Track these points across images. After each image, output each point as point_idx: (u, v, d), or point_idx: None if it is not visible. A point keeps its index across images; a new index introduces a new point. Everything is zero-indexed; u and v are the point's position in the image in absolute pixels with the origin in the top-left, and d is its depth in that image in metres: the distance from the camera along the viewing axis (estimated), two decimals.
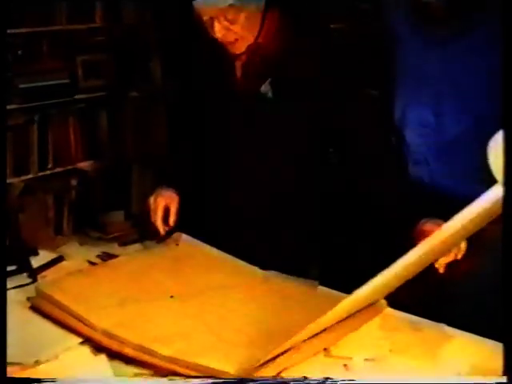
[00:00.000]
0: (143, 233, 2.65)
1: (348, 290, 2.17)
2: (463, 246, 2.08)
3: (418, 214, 2.17)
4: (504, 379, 1.39)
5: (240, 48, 2.24)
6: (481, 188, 1.68)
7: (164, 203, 2.41)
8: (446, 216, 2.10)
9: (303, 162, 2.38)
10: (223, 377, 1.70)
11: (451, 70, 2.17)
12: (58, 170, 2.90)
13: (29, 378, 1.55)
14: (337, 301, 2.12)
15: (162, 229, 2.41)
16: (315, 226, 2.48)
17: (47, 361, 1.86)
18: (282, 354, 1.80)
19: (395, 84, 2.31)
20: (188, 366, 1.76)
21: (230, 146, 2.39)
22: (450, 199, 2.17)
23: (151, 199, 2.42)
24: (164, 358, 1.80)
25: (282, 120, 2.29)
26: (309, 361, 1.84)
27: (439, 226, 1.96)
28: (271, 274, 2.32)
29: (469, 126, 2.16)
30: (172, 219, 2.42)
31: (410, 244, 1.92)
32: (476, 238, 2.01)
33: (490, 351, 1.81)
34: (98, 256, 2.54)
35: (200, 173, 2.48)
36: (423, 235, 2.00)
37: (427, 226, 2.10)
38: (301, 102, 2.27)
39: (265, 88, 2.28)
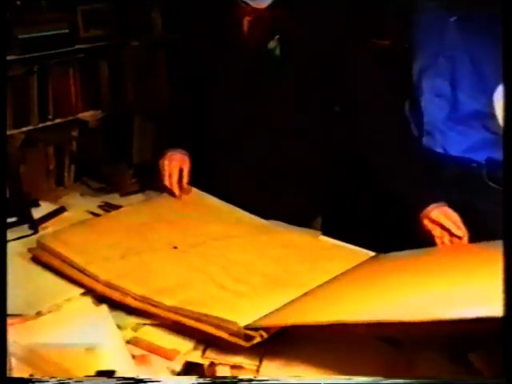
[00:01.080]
0: (145, 183, 2.62)
1: (349, 239, 2.19)
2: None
3: (430, 185, 2.17)
4: (503, 381, 1.38)
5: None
6: (494, 158, 1.67)
7: (178, 166, 2.40)
8: (458, 187, 2.11)
9: (309, 120, 2.35)
10: (228, 326, 1.68)
11: (470, 45, 2.14)
12: (59, 120, 2.87)
13: (29, 378, 1.51)
14: (338, 250, 2.15)
15: (177, 191, 2.40)
16: (322, 180, 2.46)
17: (49, 312, 1.86)
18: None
19: (411, 46, 2.27)
20: (192, 316, 1.75)
21: (234, 101, 2.35)
22: (462, 170, 2.16)
23: (164, 162, 2.41)
24: (167, 308, 1.79)
25: (288, 77, 2.27)
26: None
27: (446, 214, 1.95)
28: (273, 223, 2.31)
29: (484, 106, 2.13)
30: (185, 180, 2.41)
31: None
32: None
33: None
34: (100, 206, 2.52)
35: (202, 130, 2.46)
36: (429, 222, 2.04)
37: (434, 214, 2.08)
38: (309, 59, 2.25)
39: (273, 44, 2.25)
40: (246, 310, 1.76)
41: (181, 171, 2.42)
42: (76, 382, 1.50)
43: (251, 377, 1.50)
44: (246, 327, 1.67)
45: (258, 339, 1.64)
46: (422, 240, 2.15)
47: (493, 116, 1.99)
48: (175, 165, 2.41)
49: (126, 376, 1.56)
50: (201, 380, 1.49)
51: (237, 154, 2.40)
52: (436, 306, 1.52)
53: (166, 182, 2.40)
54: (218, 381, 1.50)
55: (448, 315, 1.46)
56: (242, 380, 1.50)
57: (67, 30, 3.06)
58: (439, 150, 2.26)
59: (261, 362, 1.67)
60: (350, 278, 1.89)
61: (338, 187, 2.52)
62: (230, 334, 1.68)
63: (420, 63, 2.26)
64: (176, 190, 2.39)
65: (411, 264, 1.86)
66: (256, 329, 1.66)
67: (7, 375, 1.51)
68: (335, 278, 1.92)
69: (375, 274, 1.89)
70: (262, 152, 2.35)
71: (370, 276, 1.87)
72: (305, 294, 1.82)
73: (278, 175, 2.37)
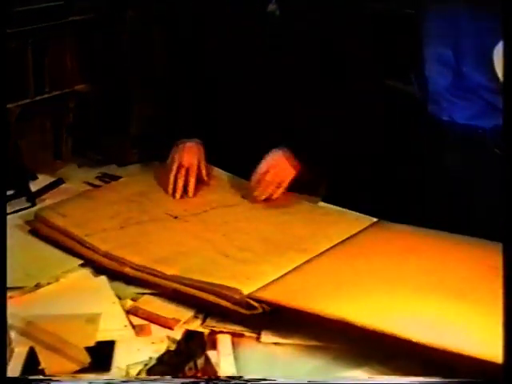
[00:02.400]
0: (143, 153, 2.60)
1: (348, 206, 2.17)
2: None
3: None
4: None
5: None
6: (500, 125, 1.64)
7: (187, 167, 2.29)
8: (464, 154, 2.09)
9: (309, 84, 2.30)
10: (231, 294, 1.66)
11: (475, 17, 2.10)
12: (56, 93, 2.84)
13: (29, 378, 1.48)
14: (339, 215, 2.14)
15: (178, 195, 2.27)
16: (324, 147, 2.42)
17: (48, 283, 1.85)
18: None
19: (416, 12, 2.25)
20: (194, 284, 1.73)
21: (235, 67, 2.32)
22: (468, 137, 2.14)
23: (174, 165, 2.30)
24: (168, 277, 1.78)
25: (288, 39, 2.24)
26: None
27: None
28: None
29: (488, 81, 2.11)
30: (204, 173, 2.32)
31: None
32: None
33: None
34: (98, 177, 2.50)
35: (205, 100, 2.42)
36: None
37: None
38: (309, 21, 2.22)
39: (272, 7, 2.23)
40: (250, 276, 1.75)
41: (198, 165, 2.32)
42: (77, 381, 1.48)
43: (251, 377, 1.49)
44: (249, 296, 1.65)
45: (259, 310, 1.63)
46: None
47: (496, 90, 1.98)
48: (182, 171, 2.29)
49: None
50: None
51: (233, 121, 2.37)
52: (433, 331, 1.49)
53: (170, 188, 2.28)
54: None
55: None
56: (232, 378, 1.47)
57: (62, 1, 3.02)
58: (445, 117, 2.24)
59: (261, 330, 1.65)
60: (358, 260, 1.86)
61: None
62: (232, 303, 1.66)
63: (424, 31, 2.23)
64: (178, 195, 2.27)
65: (417, 267, 1.82)
66: (259, 301, 1.64)
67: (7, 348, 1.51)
68: (342, 254, 1.89)
69: (382, 259, 1.85)
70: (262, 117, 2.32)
71: (377, 263, 1.83)
72: (313, 272, 1.80)
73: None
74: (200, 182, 2.31)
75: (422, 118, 2.31)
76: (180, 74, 2.47)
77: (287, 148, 2.21)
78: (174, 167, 2.28)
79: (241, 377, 1.47)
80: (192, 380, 1.45)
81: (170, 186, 2.26)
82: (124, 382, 1.47)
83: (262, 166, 2.20)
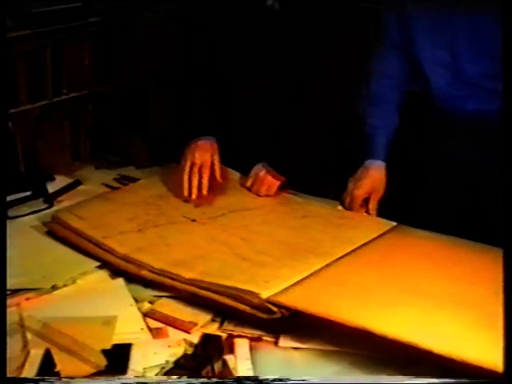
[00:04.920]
0: (161, 156, 2.60)
1: None
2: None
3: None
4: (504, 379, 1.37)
5: None
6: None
7: (200, 166, 2.27)
8: (473, 140, 2.08)
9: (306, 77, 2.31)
10: (249, 298, 1.66)
11: (468, 11, 2.09)
12: (74, 94, 2.85)
13: (29, 378, 1.49)
14: (359, 219, 2.14)
15: (194, 195, 2.25)
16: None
17: (64, 285, 1.85)
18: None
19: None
20: (212, 288, 1.73)
21: (239, 63, 2.34)
22: (476, 122, 2.13)
23: (187, 163, 2.28)
24: (186, 280, 1.77)
25: (288, 32, 2.25)
26: None
27: None
28: (291, 195, 2.31)
29: (486, 68, 2.10)
30: (218, 175, 2.29)
31: None
32: None
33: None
34: (116, 179, 2.50)
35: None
36: None
37: None
38: (308, 14, 2.24)
39: (271, 1, 2.24)
40: (268, 280, 1.74)
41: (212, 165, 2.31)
42: (78, 381, 1.48)
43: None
44: (268, 300, 1.65)
45: (278, 315, 1.62)
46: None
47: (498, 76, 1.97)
48: (198, 160, 2.28)
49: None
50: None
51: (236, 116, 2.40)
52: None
53: (185, 187, 2.25)
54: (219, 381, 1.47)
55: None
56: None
57: (80, 3, 3.04)
58: (452, 109, 2.23)
59: (279, 334, 1.64)
60: (378, 265, 1.84)
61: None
62: (250, 307, 1.65)
63: (417, 33, 2.21)
64: (194, 195, 2.25)
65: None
66: (278, 305, 1.63)
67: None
68: (362, 259, 1.88)
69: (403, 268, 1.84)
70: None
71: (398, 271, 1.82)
72: (332, 276, 1.79)
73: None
74: (215, 179, 2.29)
75: (428, 111, 2.30)
76: (193, 71, 2.48)
77: (268, 163, 2.29)
78: (187, 166, 2.26)
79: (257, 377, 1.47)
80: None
81: (185, 186, 2.24)
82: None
83: (248, 182, 2.32)
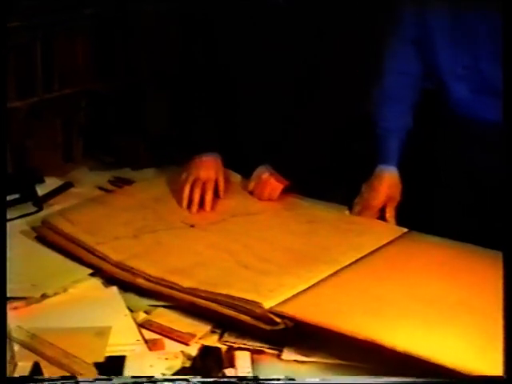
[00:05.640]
0: (159, 157, 2.61)
1: None
2: None
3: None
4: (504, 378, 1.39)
5: None
6: None
7: (202, 184, 2.31)
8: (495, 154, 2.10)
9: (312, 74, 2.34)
10: (251, 308, 1.67)
11: (487, 16, 2.09)
12: (66, 91, 2.86)
13: (30, 378, 1.50)
14: (367, 225, 2.15)
15: (195, 209, 2.27)
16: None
17: (55, 294, 1.85)
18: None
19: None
20: (211, 297, 1.73)
21: (240, 60, 2.37)
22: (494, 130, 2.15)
23: (190, 177, 2.31)
24: (184, 289, 1.78)
25: (292, 29, 2.28)
26: None
27: None
28: (296, 198, 2.32)
29: None
30: (222, 192, 2.33)
31: None
32: None
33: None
34: (111, 181, 2.52)
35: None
36: None
37: None
38: (313, 9, 2.26)
39: None
40: (271, 289, 1.74)
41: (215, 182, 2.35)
42: (78, 380, 1.48)
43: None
44: (271, 310, 1.65)
45: (281, 326, 1.63)
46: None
47: None
48: (203, 176, 2.31)
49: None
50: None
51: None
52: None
53: (184, 202, 2.28)
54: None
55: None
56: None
57: None
58: (471, 116, 2.23)
59: (283, 346, 1.65)
60: (388, 274, 1.86)
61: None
62: (252, 318, 1.66)
63: (435, 40, 2.22)
64: (194, 209, 2.27)
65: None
66: (282, 316, 1.64)
67: (7, 374, 1.50)
68: (371, 267, 1.90)
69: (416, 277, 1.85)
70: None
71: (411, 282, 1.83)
72: (340, 285, 1.80)
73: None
74: (217, 196, 2.32)
75: (443, 115, 2.32)
76: (193, 71, 2.50)
77: (271, 165, 2.31)
78: (190, 180, 2.29)
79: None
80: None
81: (186, 199, 2.27)
82: None
83: (249, 185, 2.34)
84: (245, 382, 1.45)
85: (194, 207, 2.25)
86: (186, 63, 2.51)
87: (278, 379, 1.45)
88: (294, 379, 1.46)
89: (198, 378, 1.45)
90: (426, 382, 1.45)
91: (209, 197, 2.27)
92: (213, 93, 2.43)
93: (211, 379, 1.47)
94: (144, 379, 1.44)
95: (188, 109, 2.53)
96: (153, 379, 1.45)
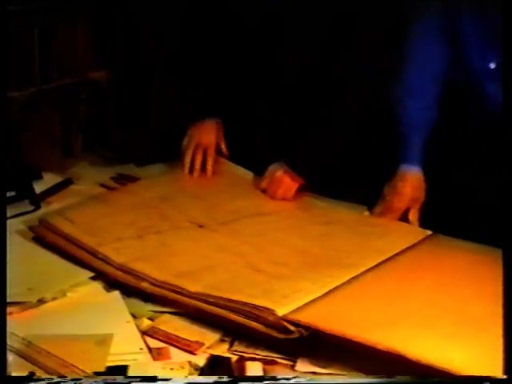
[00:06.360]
0: (165, 152, 2.61)
1: None
2: None
3: None
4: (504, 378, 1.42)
5: None
6: None
7: (204, 147, 2.45)
8: None
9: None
10: (263, 315, 1.67)
11: None
12: (65, 81, 2.86)
13: (30, 378, 1.51)
14: (389, 227, 2.14)
15: (196, 175, 2.44)
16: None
17: (53, 299, 1.86)
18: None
19: None
20: (220, 303, 1.74)
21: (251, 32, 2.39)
22: None
23: (191, 144, 2.45)
24: (191, 294, 1.78)
25: (312, 17, 2.30)
26: None
27: None
28: (312, 198, 2.33)
29: None
30: (224, 152, 2.47)
31: None
32: None
33: None
34: (113, 178, 2.53)
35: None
36: None
37: None
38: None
39: None
40: (285, 295, 1.75)
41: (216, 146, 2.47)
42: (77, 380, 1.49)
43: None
44: (285, 318, 1.65)
45: (296, 335, 1.63)
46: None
47: None
48: (204, 142, 2.44)
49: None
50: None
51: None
52: None
53: (186, 168, 2.45)
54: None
55: None
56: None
57: None
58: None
59: (297, 357, 1.65)
60: (410, 280, 1.86)
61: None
62: (264, 325, 1.66)
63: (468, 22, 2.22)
64: (196, 174, 2.45)
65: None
66: (296, 324, 1.64)
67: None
68: (393, 272, 1.90)
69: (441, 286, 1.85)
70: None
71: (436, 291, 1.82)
72: (359, 291, 1.80)
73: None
74: (219, 162, 2.44)
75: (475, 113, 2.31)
76: (194, 51, 2.54)
77: (286, 163, 2.32)
78: (191, 146, 2.42)
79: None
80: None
81: (187, 165, 2.42)
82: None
83: (262, 183, 2.36)
84: None
85: (196, 173, 2.42)
86: (190, 35, 2.54)
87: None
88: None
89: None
90: (426, 381, 1.46)
91: (211, 162, 2.42)
92: (218, 73, 2.48)
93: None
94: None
95: (191, 82, 2.59)
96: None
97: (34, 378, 1.50)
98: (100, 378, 1.50)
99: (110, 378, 1.49)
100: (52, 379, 1.48)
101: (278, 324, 1.65)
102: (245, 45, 2.38)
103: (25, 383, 1.49)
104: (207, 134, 2.45)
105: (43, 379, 1.48)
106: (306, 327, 1.63)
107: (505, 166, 1.51)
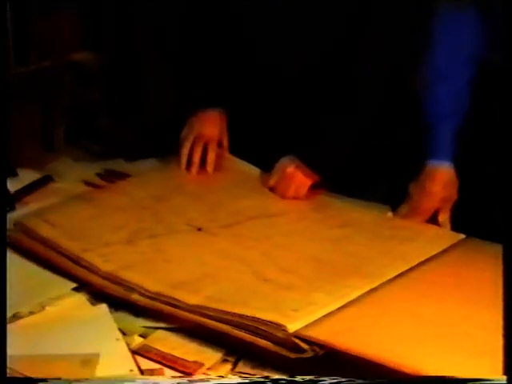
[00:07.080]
0: (159, 145, 2.62)
1: None
2: None
3: None
4: (504, 379, 1.43)
5: None
6: None
7: (205, 140, 2.47)
8: None
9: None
10: (272, 331, 1.66)
11: None
12: (45, 64, 2.87)
13: (30, 378, 1.53)
14: (415, 230, 2.15)
15: (195, 171, 2.45)
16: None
17: (30, 313, 1.85)
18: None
19: None
20: (222, 317, 1.73)
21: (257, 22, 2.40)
22: None
23: (191, 135, 2.47)
24: (190, 307, 1.78)
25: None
26: None
27: None
28: (328, 197, 2.34)
29: None
30: (226, 147, 2.49)
31: None
32: None
33: None
34: (99, 174, 2.54)
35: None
36: None
37: None
38: None
39: None
40: (297, 308, 1.74)
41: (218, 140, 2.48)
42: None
43: None
44: (296, 335, 1.65)
45: (309, 354, 1.62)
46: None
47: None
48: (206, 133, 2.46)
49: None
50: None
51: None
52: None
53: (183, 162, 2.46)
54: None
55: None
56: None
57: None
58: None
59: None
60: (439, 291, 1.85)
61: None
62: (273, 343, 1.66)
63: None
64: (194, 170, 2.46)
65: None
66: (310, 342, 1.63)
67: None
68: (419, 282, 1.90)
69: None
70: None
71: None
72: (380, 304, 1.80)
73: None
74: (221, 157, 2.45)
75: None
76: (199, 30, 2.56)
77: (298, 156, 2.34)
78: (191, 137, 2.43)
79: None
80: None
81: (185, 158, 2.43)
82: None
83: (271, 180, 2.36)
84: None
85: (194, 168, 2.43)
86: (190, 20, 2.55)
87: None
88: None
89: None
90: (422, 381, 1.49)
91: (213, 155, 2.43)
92: (220, 58, 2.51)
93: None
94: None
95: (191, 66, 2.61)
96: None
97: (34, 378, 1.53)
98: None
99: None
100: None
101: (289, 341, 1.64)
102: (251, 34, 2.41)
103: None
104: (210, 126, 2.45)
105: (44, 380, 1.51)
106: (321, 345, 1.62)
107: None
